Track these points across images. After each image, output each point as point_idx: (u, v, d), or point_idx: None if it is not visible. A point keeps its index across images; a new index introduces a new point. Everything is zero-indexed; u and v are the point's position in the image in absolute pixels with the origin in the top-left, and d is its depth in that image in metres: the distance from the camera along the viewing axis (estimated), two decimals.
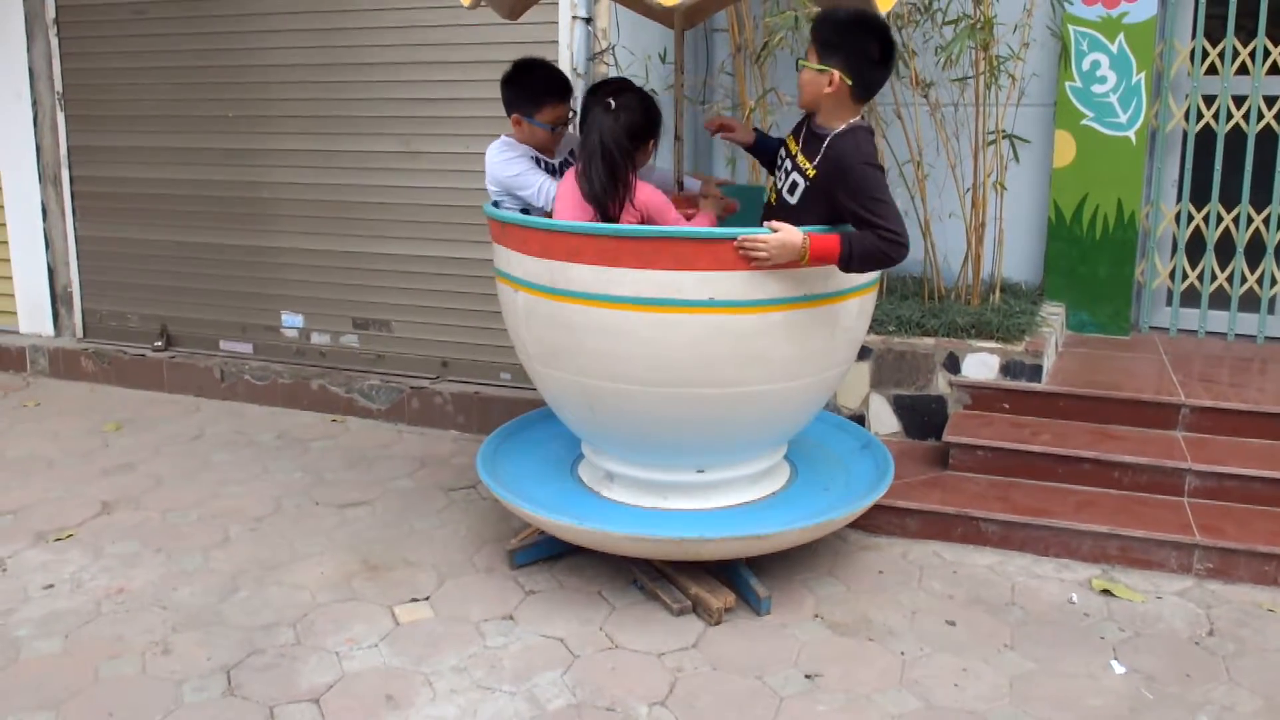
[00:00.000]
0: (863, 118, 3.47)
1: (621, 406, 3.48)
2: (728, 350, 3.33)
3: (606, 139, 3.40)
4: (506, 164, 3.83)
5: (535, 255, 3.43)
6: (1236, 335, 5.56)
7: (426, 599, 3.67)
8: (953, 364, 4.68)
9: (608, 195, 3.42)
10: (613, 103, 3.46)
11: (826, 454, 4.16)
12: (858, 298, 3.54)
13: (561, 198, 3.59)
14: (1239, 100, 5.36)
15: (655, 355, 3.33)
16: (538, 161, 3.86)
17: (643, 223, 3.45)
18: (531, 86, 3.81)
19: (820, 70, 3.34)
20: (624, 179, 3.43)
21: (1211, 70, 5.38)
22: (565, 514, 3.58)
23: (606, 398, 3.47)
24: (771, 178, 3.69)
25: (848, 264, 3.25)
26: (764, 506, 3.75)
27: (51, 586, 3.76)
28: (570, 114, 3.92)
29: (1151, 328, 5.69)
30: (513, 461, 4.06)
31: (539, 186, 3.73)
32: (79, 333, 6.48)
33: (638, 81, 4.87)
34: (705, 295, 3.25)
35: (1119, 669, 3.25)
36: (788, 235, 3.19)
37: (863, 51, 3.32)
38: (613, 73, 4.91)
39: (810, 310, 3.39)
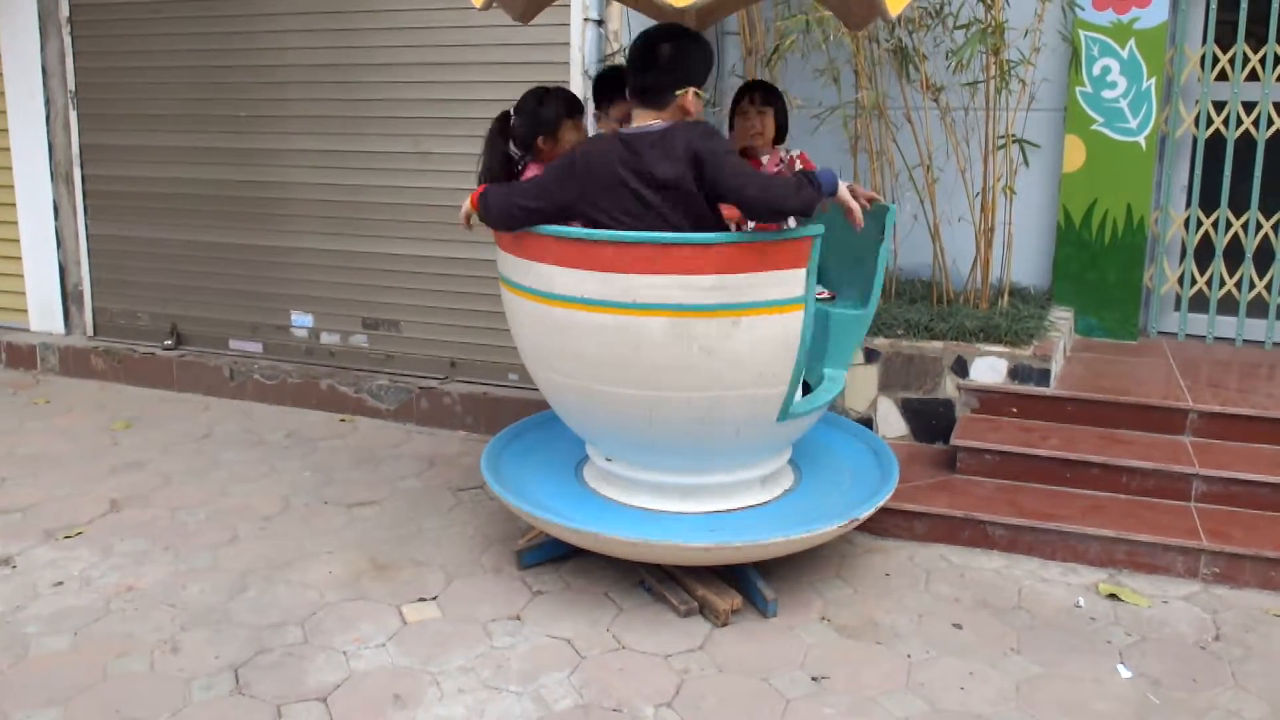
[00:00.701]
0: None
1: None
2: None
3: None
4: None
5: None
6: (1244, 341, 5.55)
7: (434, 599, 3.68)
8: (961, 368, 4.68)
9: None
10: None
11: (832, 457, 4.16)
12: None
13: None
14: (1249, 106, 5.36)
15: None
16: None
17: None
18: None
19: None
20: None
21: (1222, 76, 5.38)
22: (567, 517, 3.59)
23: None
24: None
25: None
26: (769, 511, 3.76)
27: (61, 584, 3.77)
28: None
29: (1160, 333, 5.69)
30: (517, 464, 4.06)
31: None
32: (89, 331, 6.51)
33: None
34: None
35: (1125, 673, 3.25)
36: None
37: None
38: None
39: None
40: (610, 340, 3.35)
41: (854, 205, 3.40)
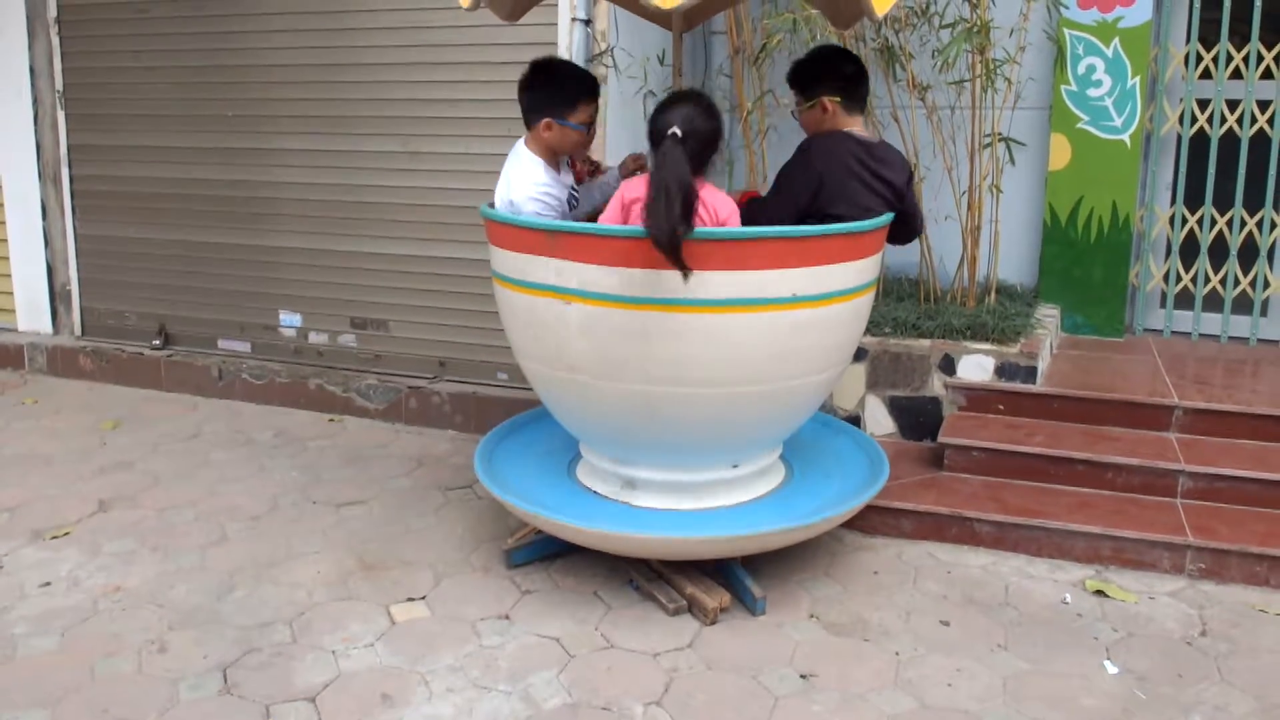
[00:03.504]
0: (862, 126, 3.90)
1: (671, 412, 3.49)
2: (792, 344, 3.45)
3: (673, 176, 3.14)
4: (535, 200, 3.65)
5: (609, 264, 3.30)
6: (1230, 337, 5.58)
7: (423, 598, 3.68)
8: (948, 365, 4.70)
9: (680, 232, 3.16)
10: (679, 131, 3.23)
11: (821, 454, 4.18)
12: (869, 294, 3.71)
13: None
14: (1233, 104, 5.39)
15: (728, 356, 3.39)
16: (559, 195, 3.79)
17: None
18: (563, 85, 3.70)
19: (811, 106, 3.84)
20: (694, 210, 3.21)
21: (1206, 74, 5.41)
22: (562, 513, 3.60)
23: (664, 403, 3.48)
24: None
25: None
26: (759, 506, 3.77)
27: (48, 584, 3.77)
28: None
29: (1145, 330, 5.71)
30: (510, 461, 4.07)
31: None
32: (77, 331, 6.49)
33: (635, 83, 4.92)
34: (787, 292, 3.33)
35: (1112, 669, 3.27)
36: None
37: (838, 72, 3.83)
38: (610, 74, 4.93)
39: (848, 304, 3.54)
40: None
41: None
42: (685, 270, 3.16)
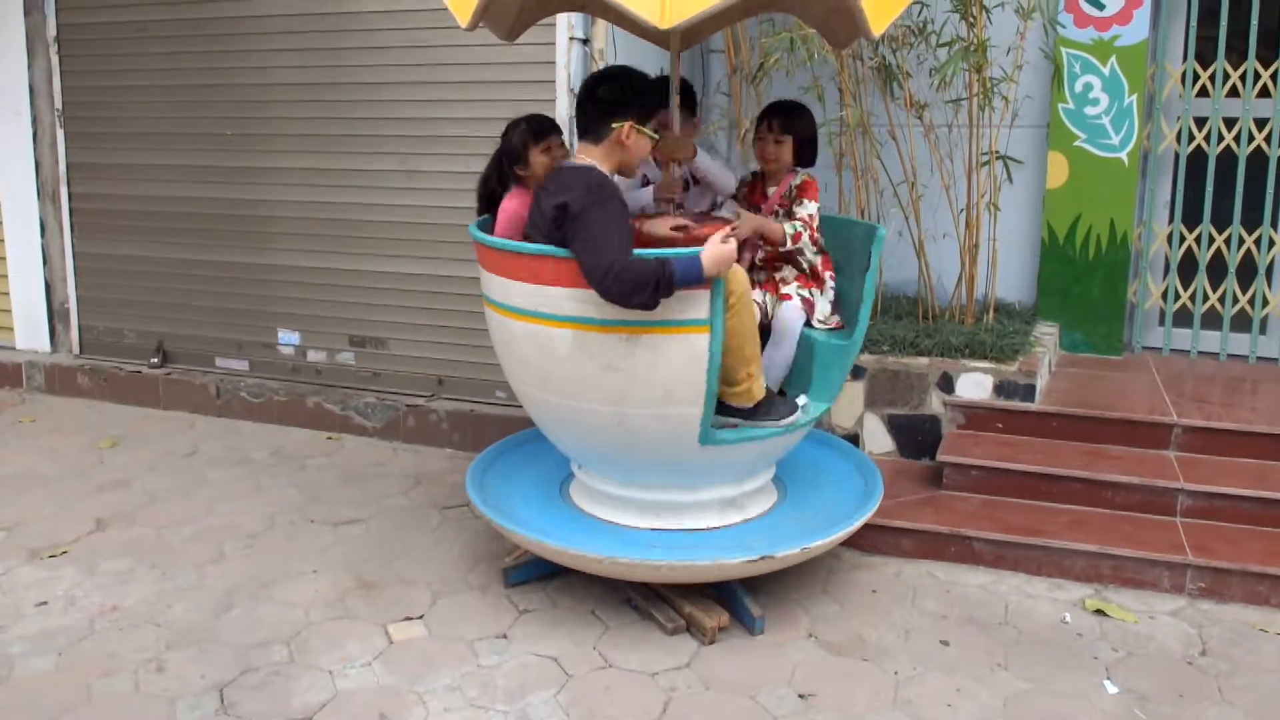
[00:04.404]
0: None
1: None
2: None
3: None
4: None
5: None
6: (1229, 355, 5.58)
7: (420, 617, 3.67)
8: (947, 384, 4.70)
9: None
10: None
11: (816, 474, 4.16)
12: None
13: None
14: (1230, 122, 5.40)
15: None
16: None
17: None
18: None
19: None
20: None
21: (1203, 93, 5.42)
22: (551, 535, 3.58)
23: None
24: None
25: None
26: (752, 528, 3.76)
27: (45, 604, 3.75)
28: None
29: (1144, 348, 5.71)
30: (502, 482, 4.06)
31: None
32: (75, 349, 6.49)
33: None
34: None
35: (1112, 689, 3.26)
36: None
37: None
38: None
39: None
40: (534, 349, 3.49)
41: (733, 267, 3.36)
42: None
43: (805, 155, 4.16)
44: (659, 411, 3.40)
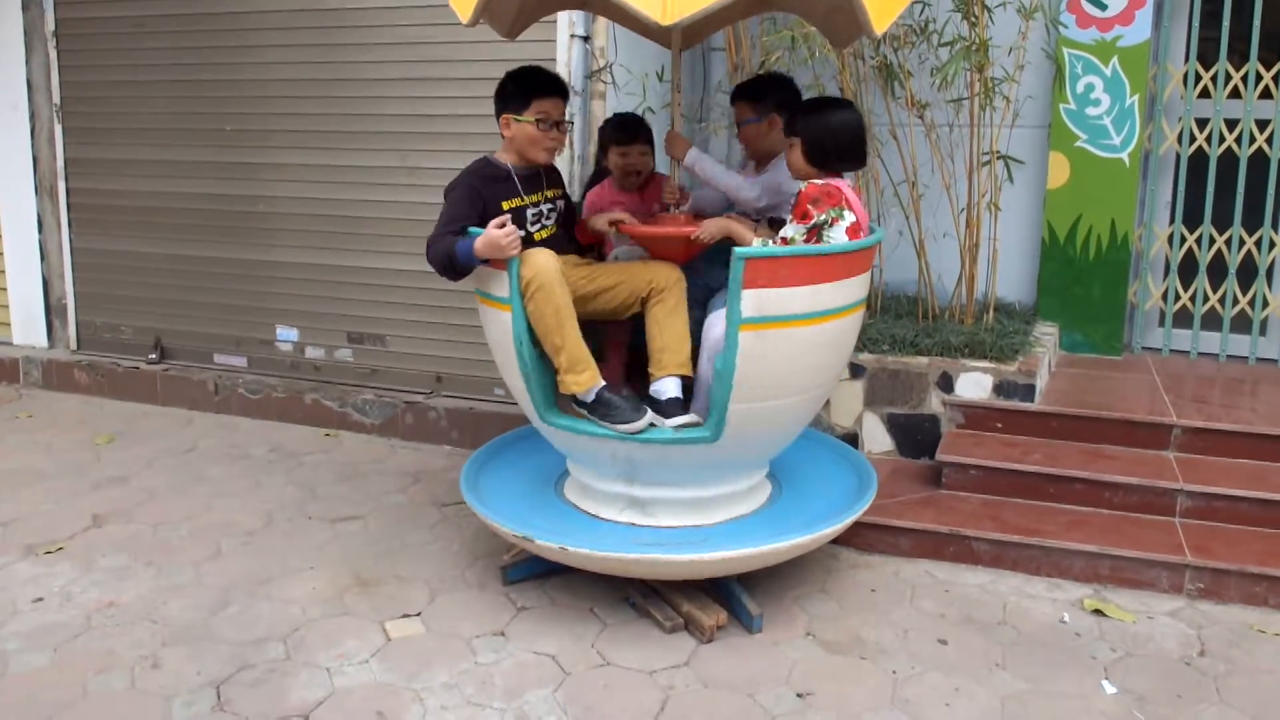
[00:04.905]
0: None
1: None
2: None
3: None
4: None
5: None
6: (1228, 356, 5.58)
7: (418, 615, 3.66)
8: (946, 383, 4.69)
9: None
10: None
11: (810, 472, 4.16)
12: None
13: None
14: (1231, 123, 5.40)
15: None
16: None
17: None
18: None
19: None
20: None
21: (1204, 94, 5.42)
22: (546, 533, 3.57)
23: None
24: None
25: None
26: (750, 523, 3.76)
27: (41, 600, 3.74)
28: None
29: (1144, 348, 5.71)
30: (497, 480, 4.05)
31: None
32: (73, 345, 6.48)
33: (634, 100, 4.93)
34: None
35: (1110, 689, 3.25)
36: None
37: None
38: (610, 90, 4.93)
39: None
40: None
41: (535, 257, 3.46)
42: None
43: (808, 148, 3.61)
44: (510, 383, 3.76)
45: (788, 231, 3.54)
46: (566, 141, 3.99)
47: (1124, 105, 5.27)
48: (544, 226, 3.76)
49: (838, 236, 3.48)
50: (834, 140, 3.59)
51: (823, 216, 3.47)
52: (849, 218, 3.51)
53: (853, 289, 3.53)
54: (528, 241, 3.58)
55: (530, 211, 3.70)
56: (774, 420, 3.55)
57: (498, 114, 3.69)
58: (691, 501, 3.71)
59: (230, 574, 3.95)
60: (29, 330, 6.55)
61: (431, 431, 5.47)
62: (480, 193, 3.59)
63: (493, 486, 3.97)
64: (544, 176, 3.80)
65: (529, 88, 3.64)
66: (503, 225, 3.42)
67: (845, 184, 3.58)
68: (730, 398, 3.38)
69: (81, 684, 3.21)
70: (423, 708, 3.11)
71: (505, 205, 3.62)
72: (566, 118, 3.75)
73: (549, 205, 3.79)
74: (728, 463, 3.66)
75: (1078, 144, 5.37)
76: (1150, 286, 5.65)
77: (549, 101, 3.65)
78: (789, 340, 3.39)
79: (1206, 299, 5.56)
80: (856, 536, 4.12)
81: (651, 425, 3.51)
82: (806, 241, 3.49)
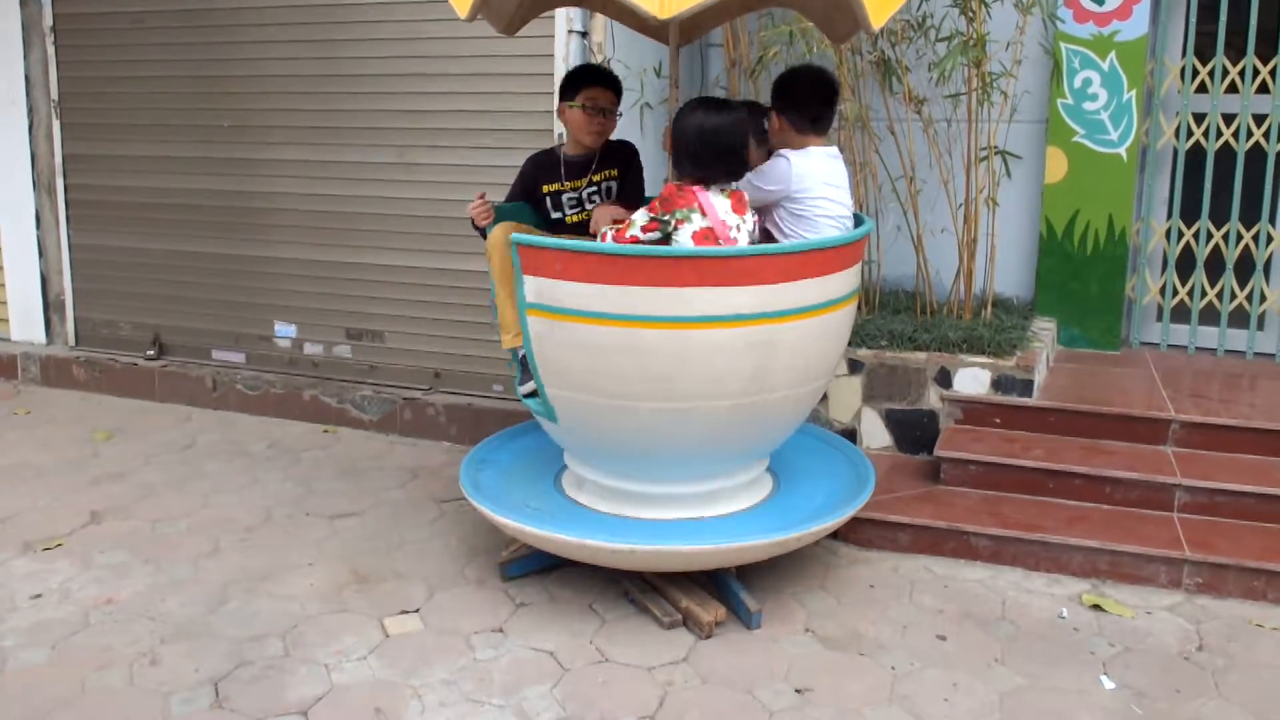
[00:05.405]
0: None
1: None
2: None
3: None
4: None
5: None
6: (1226, 351, 5.58)
7: (416, 611, 3.66)
8: (944, 379, 4.69)
9: None
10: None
11: (809, 466, 4.16)
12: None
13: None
14: (1229, 118, 5.39)
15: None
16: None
17: None
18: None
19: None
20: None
21: (1202, 88, 5.41)
22: (546, 525, 3.58)
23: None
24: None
25: None
26: (746, 517, 3.76)
27: (39, 596, 3.74)
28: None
29: (1142, 343, 5.71)
30: (496, 474, 4.06)
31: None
32: (71, 341, 6.47)
33: (632, 95, 4.92)
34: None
35: (1109, 684, 3.25)
36: None
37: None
38: None
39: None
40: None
41: (492, 233, 3.84)
42: None
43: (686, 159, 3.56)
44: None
45: (637, 217, 3.48)
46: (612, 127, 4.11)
47: (1121, 100, 5.27)
48: (581, 210, 4.07)
49: (683, 240, 3.40)
50: (689, 147, 3.48)
51: (665, 216, 3.42)
52: (698, 222, 3.40)
53: (651, 300, 3.27)
54: (559, 224, 4.06)
55: (566, 196, 4.08)
56: (606, 419, 3.50)
57: (558, 106, 4.11)
58: (689, 496, 3.71)
59: (229, 570, 3.95)
60: (27, 326, 6.54)
61: (430, 427, 5.46)
62: (529, 174, 4.12)
63: (492, 481, 3.98)
64: (597, 161, 4.09)
65: (579, 78, 4.04)
66: (480, 198, 3.93)
67: (708, 195, 3.45)
68: (542, 379, 3.55)
69: (80, 681, 3.21)
70: (421, 704, 3.11)
71: (544, 189, 4.09)
72: (616, 109, 4.07)
73: (593, 189, 4.08)
74: (701, 458, 3.67)
75: (1075, 139, 5.37)
76: (1148, 281, 5.65)
77: (595, 89, 4.00)
78: (574, 335, 3.39)
79: (1204, 294, 5.56)
80: (855, 532, 4.13)
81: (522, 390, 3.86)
82: (641, 239, 3.45)
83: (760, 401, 3.47)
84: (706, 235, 3.40)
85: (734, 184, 3.58)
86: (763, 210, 3.75)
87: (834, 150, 3.85)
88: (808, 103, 3.79)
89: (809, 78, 3.84)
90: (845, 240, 3.57)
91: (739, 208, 3.51)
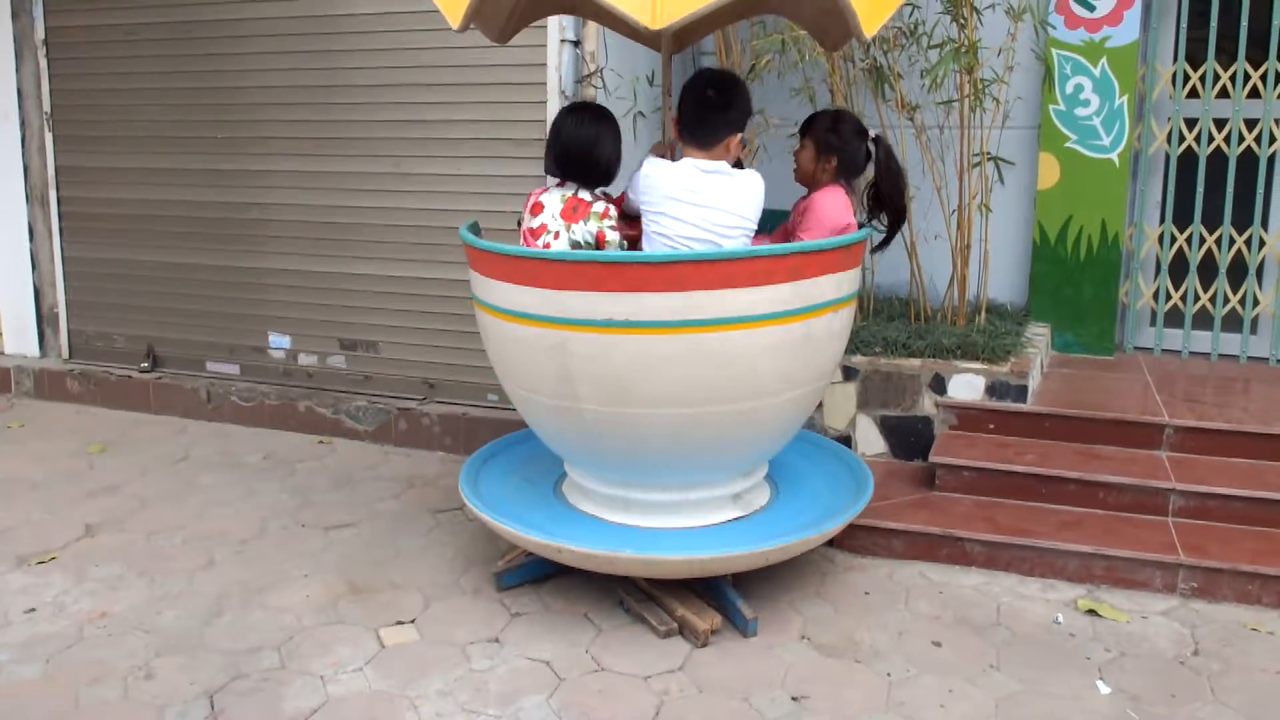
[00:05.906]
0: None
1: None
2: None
3: None
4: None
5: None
6: (1220, 355, 5.59)
7: (412, 622, 3.66)
8: (939, 385, 4.70)
9: None
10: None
11: (807, 473, 4.17)
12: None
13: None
14: (1220, 123, 5.41)
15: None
16: None
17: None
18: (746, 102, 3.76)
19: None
20: None
21: (1193, 93, 5.43)
22: (547, 532, 3.58)
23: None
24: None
25: None
26: (744, 525, 3.76)
27: (33, 610, 3.73)
28: None
29: (1136, 348, 5.72)
30: (495, 482, 4.06)
31: None
32: (65, 354, 6.46)
33: (625, 104, 4.93)
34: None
35: (1104, 689, 3.25)
36: None
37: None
38: (600, 95, 4.93)
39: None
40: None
41: None
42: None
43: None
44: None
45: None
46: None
47: (1113, 106, 5.29)
48: None
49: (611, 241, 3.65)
50: (557, 152, 3.73)
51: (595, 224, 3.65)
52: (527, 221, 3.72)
53: (548, 301, 3.35)
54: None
55: None
56: (546, 418, 3.65)
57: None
58: (687, 503, 3.71)
59: (223, 582, 3.95)
60: (20, 339, 6.53)
61: (425, 438, 5.46)
62: None
63: (491, 488, 3.98)
64: None
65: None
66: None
67: (547, 194, 3.71)
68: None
69: (74, 695, 3.20)
70: (417, 715, 3.11)
71: None
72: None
73: None
74: (696, 465, 3.67)
75: (1067, 145, 5.38)
76: (1141, 286, 5.66)
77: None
78: (494, 330, 3.63)
79: (1197, 298, 5.58)
80: (850, 539, 4.13)
81: None
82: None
83: (704, 414, 3.44)
84: (526, 235, 3.73)
85: (603, 188, 3.75)
86: None
87: (719, 165, 3.54)
88: (683, 111, 3.60)
89: (691, 84, 3.60)
90: (704, 256, 3.36)
91: (572, 216, 3.63)
